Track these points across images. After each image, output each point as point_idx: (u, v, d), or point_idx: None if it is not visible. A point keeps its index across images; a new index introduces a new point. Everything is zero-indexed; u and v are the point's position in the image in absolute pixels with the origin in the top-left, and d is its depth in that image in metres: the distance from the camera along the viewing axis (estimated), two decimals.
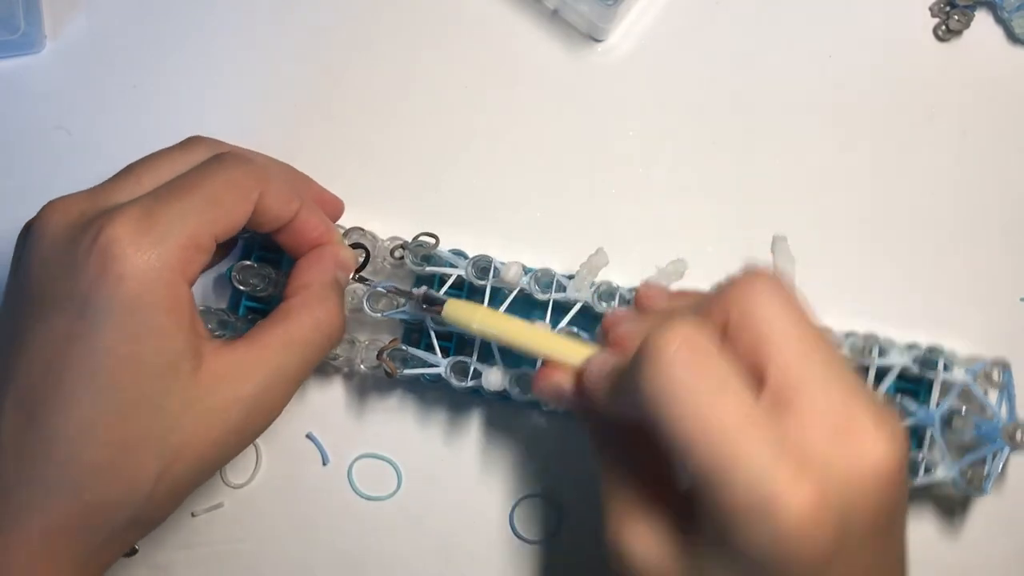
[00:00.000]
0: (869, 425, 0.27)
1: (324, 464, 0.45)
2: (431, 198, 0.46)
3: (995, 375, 0.41)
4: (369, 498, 0.45)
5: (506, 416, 0.44)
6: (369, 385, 0.45)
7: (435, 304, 0.37)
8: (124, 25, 0.47)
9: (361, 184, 0.46)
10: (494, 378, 0.40)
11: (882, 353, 0.40)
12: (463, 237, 0.44)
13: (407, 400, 0.45)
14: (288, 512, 0.44)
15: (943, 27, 0.46)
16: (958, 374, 0.40)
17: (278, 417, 0.34)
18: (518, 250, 0.45)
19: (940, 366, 0.40)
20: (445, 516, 0.44)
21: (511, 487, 0.44)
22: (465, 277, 0.41)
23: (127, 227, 0.29)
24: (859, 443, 0.27)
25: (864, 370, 0.40)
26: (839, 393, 0.28)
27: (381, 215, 0.45)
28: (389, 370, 0.40)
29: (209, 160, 0.34)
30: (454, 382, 0.40)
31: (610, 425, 0.33)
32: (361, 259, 0.40)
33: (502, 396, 0.41)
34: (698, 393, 0.27)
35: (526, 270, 0.41)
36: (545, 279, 0.41)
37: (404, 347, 0.41)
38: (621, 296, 0.40)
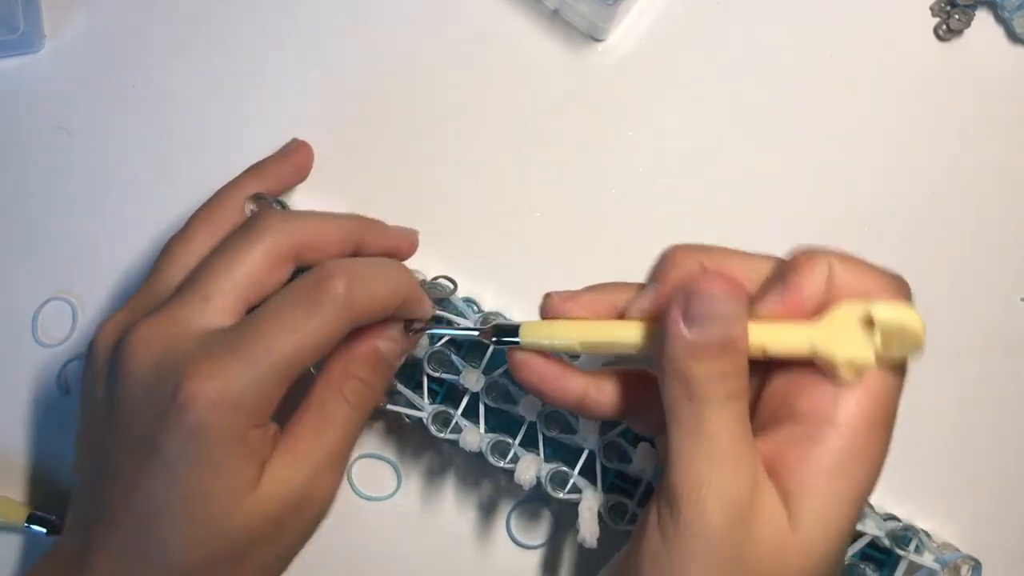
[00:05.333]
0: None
1: None
2: (430, 197, 0.46)
3: (964, 571, 0.40)
4: (369, 498, 0.45)
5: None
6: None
7: (509, 334, 0.34)
8: (123, 25, 0.47)
9: (360, 183, 0.46)
10: (472, 439, 0.39)
11: (858, 518, 0.39)
12: (461, 236, 0.44)
13: None
14: None
15: (944, 27, 0.46)
16: (927, 559, 0.39)
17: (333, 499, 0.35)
18: (516, 251, 0.45)
19: (912, 546, 0.39)
20: (444, 516, 0.44)
21: (509, 490, 0.44)
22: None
23: (205, 385, 0.31)
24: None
25: None
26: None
27: (379, 215, 0.45)
28: None
29: (294, 289, 0.33)
30: (433, 431, 0.40)
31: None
32: (447, 293, 0.39)
33: (478, 456, 0.40)
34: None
35: None
36: None
37: (394, 382, 0.40)
38: None
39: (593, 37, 0.46)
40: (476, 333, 0.35)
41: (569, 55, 0.46)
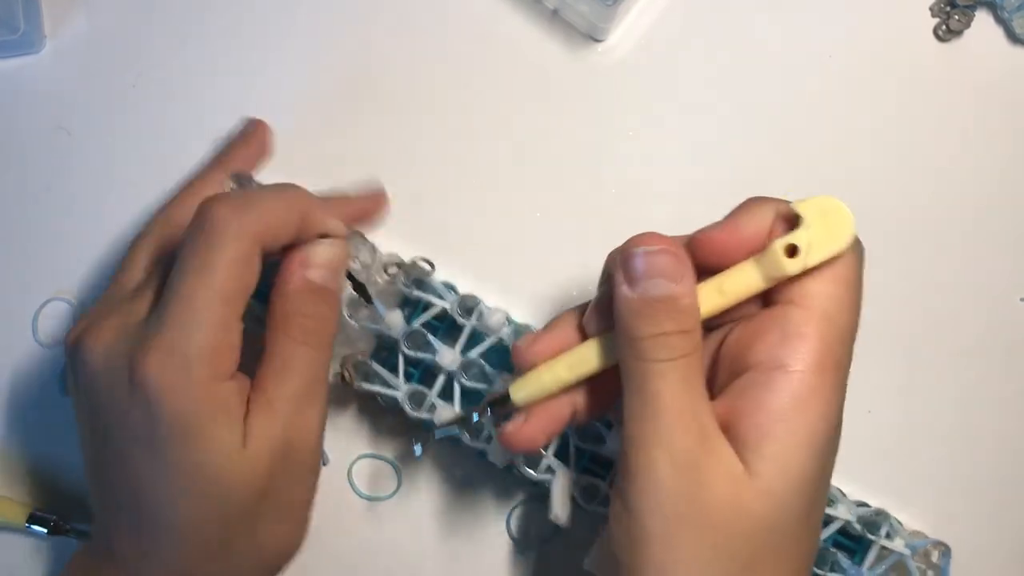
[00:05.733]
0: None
1: (324, 464, 0.45)
2: (430, 197, 0.46)
3: (935, 556, 0.41)
4: (369, 498, 0.45)
5: None
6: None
7: (502, 404, 0.34)
8: (123, 25, 0.47)
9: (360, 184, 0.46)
10: (447, 416, 0.40)
11: (830, 503, 0.40)
12: (460, 236, 0.44)
13: None
14: None
15: (943, 27, 0.46)
16: (898, 544, 0.40)
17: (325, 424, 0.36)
18: (516, 250, 0.45)
19: (883, 532, 0.40)
20: (444, 516, 0.44)
21: (510, 490, 0.44)
22: (450, 312, 0.41)
23: (156, 367, 0.31)
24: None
25: None
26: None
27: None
28: (348, 378, 0.40)
29: (195, 242, 0.33)
30: (408, 409, 0.40)
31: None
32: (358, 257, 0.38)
33: (453, 440, 0.40)
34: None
35: (509, 321, 0.41)
36: (522, 332, 0.41)
37: (370, 361, 0.41)
38: None
39: (593, 37, 0.46)
40: (475, 417, 0.35)
41: (569, 55, 0.46)
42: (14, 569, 0.45)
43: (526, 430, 0.34)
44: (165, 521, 0.33)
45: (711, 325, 0.33)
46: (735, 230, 0.32)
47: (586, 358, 0.33)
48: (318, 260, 0.35)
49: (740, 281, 0.31)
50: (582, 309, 0.34)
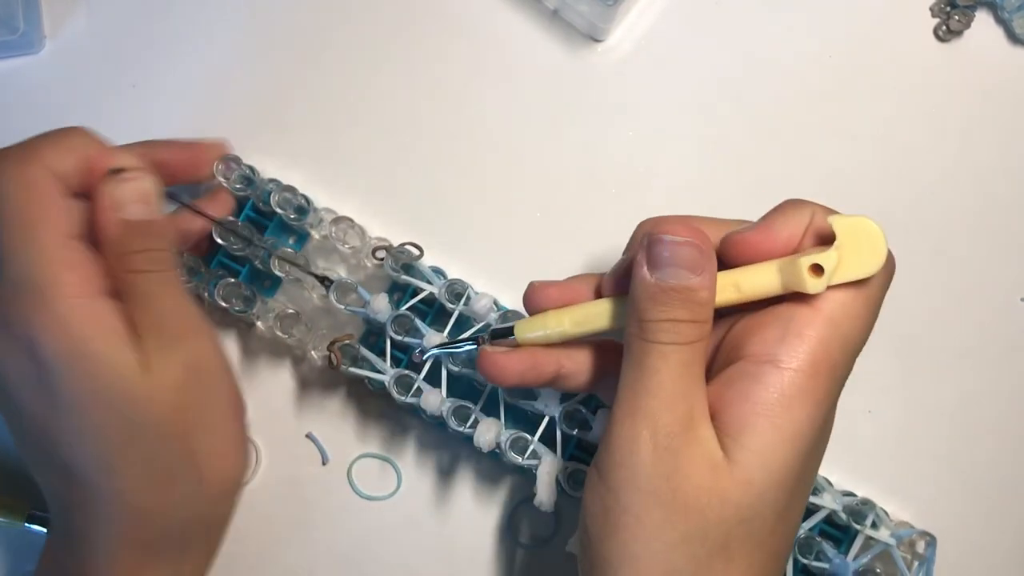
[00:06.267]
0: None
1: (324, 464, 0.45)
2: (427, 197, 0.46)
3: (920, 546, 0.41)
4: (369, 498, 0.45)
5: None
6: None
7: (504, 335, 0.35)
8: (124, 25, 0.47)
9: (357, 180, 0.46)
10: (432, 401, 0.40)
11: (816, 492, 0.40)
12: (460, 235, 0.44)
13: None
14: (288, 512, 0.44)
15: (943, 27, 0.46)
16: (883, 534, 0.40)
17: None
18: (516, 250, 0.45)
19: (868, 521, 0.40)
20: (445, 516, 0.44)
21: (509, 490, 0.44)
22: (437, 297, 0.41)
23: (17, 309, 0.32)
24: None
25: None
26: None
27: (374, 211, 0.45)
28: (335, 360, 0.41)
29: None
30: (395, 394, 0.40)
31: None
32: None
33: (439, 421, 0.41)
34: None
35: (497, 307, 0.41)
36: (512, 320, 0.41)
37: (357, 345, 0.41)
38: None
39: (593, 37, 0.46)
40: (474, 345, 0.36)
41: (569, 55, 0.46)
42: (14, 569, 0.45)
43: (508, 361, 0.34)
44: (93, 464, 0.32)
45: (722, 313, 0.33)
46: (769, 233, 0.32)
47: (593, 316, 0.33)
48: (126, 197, 0.34)
49: (758, 282, 0.31)
50: (602, 276, 0.34)
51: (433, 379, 0.41)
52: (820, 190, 0.45)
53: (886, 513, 0.41)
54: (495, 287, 0.44)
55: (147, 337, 0.33)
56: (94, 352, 0.31)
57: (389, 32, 0.47)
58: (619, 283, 0.33)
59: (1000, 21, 0.46)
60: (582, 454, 0.41)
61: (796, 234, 0.32)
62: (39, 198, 0.33)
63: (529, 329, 0.34)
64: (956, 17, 0.46)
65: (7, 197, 0.33)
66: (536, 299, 0.35)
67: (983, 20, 0.46)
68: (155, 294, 0.33)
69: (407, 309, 0.41)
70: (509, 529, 0.44)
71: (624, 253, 0.34)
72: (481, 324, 0.41)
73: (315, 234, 0.43)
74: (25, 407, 0.32)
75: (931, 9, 0.46)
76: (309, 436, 0.45)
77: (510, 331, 0.35)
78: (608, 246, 0.45)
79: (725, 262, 0.32)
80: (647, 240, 0.31)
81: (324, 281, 0.41)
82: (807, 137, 0.46)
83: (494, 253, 0.45)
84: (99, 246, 0.33)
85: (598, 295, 0.34)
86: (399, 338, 0.40)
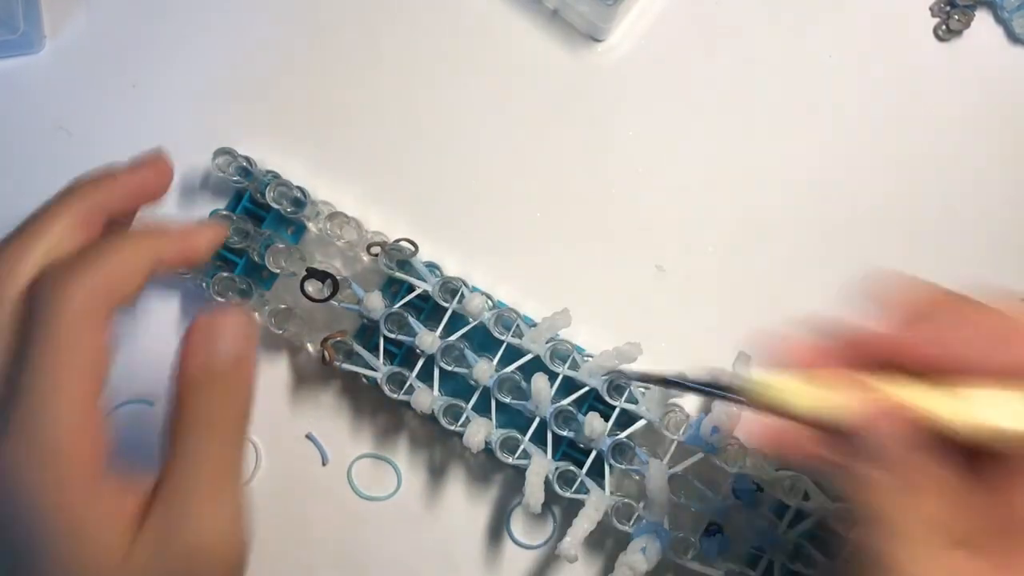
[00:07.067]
0: None
1: (324, 464, 0.45)
2: (427, 196, 0.46)
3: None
4: (369, 498, 0.45)
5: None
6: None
7: (729, 392, 0.29)
8: (124, 25, 0.47)
9: (358, 179, 0.46)
10: (423, 399, 0.40)
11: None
12: (460, 235, 0.44)
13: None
14: (288, 512, 0.44)
15: (943, 27, 0.46)
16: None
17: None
18: (516, 250, 0.45)
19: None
20: (445, 516, 0.44)
21: (510, 490, 0.44)
22: (431, 294, 0.41)
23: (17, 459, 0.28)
24: None
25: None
26: None
27: (373, 204, 0.45)
28: (328, 356, 0.41)
29: (38, 330, 0.28)
30: (387, 391, 0.40)
31: None
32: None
33: (431, 418, 0.41)
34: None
35: (492, 304, 0.41)
36: (506, 320, 0.41)
37: (350, 342, 0.41)
38: (573, 360, 0.41)
39: (593, 37, 0.46)
40: (693, 385, 0.30)
41: (569, 55, 0.46)
42: None
43: (790, 438, 0.29)
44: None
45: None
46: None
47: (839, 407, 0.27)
48: (226, 331, 0.29)
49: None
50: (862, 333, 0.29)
51: (426, 377, 0.41)
52: (819, 189, 0.45)
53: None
54: (492, 283, 0.44)
55: (155, 512, 0.28)
56: (83, 535, 0.28)
57: (388, 32, 0.47)
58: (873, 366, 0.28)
59: (1000, 20, 0.46)
60: (573, 452, 0.41)
61: None
62: (76, 344, 0.28)
63: (763, 396, 0.28)
64: (956, 17, 0.46)
65: (45, 324, 0.28)
66: (792, 360, 0.28)
67: (983, 20, 0.46)
68: (201, 464, 0.29)
69: (402, 306, 0.41)
70: (509, 529, 0.44)
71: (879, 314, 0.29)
72: (474, 323, 0.40)
73: (312, 227, 0.43)
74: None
75: (931, 9, 0.46)
76: (309, 436, 0.45)
77: (749, 389, 0.29)
78: (608, 246, 0.45)
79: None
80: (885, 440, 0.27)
81: (324, 279, 0.41)
82: (806, 136, 0.46)
83: (492, 251, 0.45)
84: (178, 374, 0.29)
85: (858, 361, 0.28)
86: (392, 336, 0.40)
